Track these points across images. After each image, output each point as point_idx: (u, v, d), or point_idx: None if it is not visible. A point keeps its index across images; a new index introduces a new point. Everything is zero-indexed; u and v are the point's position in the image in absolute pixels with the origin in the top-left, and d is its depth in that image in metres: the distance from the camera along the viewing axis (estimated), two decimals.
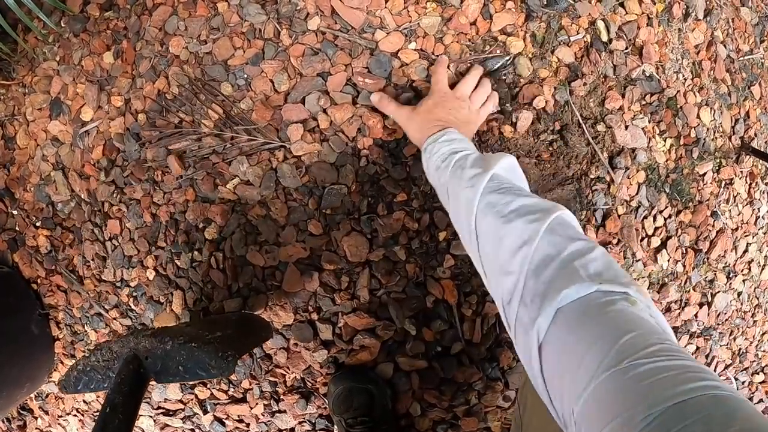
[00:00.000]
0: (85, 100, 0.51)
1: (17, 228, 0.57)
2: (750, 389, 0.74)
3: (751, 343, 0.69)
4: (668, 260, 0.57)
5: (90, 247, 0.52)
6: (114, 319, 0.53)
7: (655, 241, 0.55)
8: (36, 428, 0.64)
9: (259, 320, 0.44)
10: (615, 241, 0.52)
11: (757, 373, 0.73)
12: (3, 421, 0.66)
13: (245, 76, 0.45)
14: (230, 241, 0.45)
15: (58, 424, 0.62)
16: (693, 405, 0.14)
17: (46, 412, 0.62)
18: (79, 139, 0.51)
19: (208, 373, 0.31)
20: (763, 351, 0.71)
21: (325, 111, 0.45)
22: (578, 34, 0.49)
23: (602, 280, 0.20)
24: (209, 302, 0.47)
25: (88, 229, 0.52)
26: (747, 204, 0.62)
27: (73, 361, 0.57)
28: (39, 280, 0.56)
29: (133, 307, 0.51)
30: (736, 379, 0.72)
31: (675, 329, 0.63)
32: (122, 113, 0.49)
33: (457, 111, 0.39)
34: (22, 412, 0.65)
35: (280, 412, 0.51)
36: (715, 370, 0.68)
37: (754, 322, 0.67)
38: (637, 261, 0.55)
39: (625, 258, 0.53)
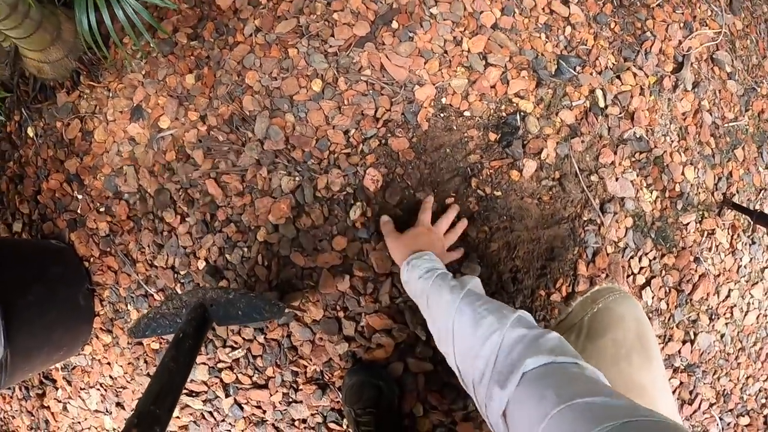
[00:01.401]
0: (164, 111, 0.63)
1: (79, 211, 0.67)
2: (735, 431, 0.80)
3: (736, 385, 0.75)
4: (652, 297, 0.67)
5: (148, 235, 0.62)
6: (157, 300, 0.63)
7: (640, 279, 0.66)
8: (54, 398, 0.72)
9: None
10: (603, 275, 0.63)
11: (743, 416, 0.78)
12: (20, 389, 0.73)
13: (306, 109, 0.58)
14: (278, 244, 0.56)
15: (79, 396, 0.70)
16: (639, 425, 0.18)
17: (69, 383, 0.70)
18: (154, 142, 0.63)
19: (261, 316, 0.41)
20: (748, 394, 0.78)
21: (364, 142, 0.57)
22: (579, 100, 0.63)
23: (557, 354, 0.26)
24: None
25: (149, 219, 0.62)
26: (729, 253, 0.72)
27: (109, 337, 0.66)
28: (92, 259, 0.66)
29: (178, 290, 0.61)
30: (722, 419, 0.77)
31: None
32: (196, 126, 0.61)
33: (433, 245, 0.49)
34: (44, 381, 0.72)
35: (296, 402, 0.59)
36: (699, 408, 0.73)
37: (738, 364, 0.75)
38: None
39: None
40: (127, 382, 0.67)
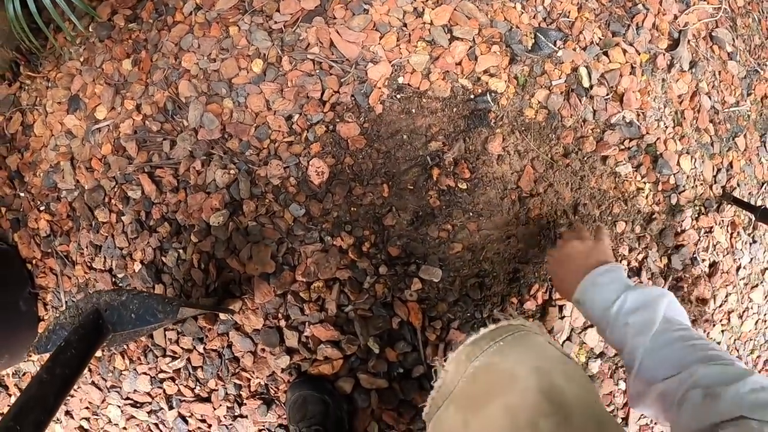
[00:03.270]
0: (101, 100, 0.60)
1: (22, 209, 0.66)
2: None
3: None
4: None
5: (86, 235, 0.60)
6: None
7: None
8: (8, 405, 0.71)
9: (221, 308, 0.51)
10: None
11: None
12: None
13: (246, 93, 0.54)
14: (212, 245, 0.53)
15: None
16: None
17: (20, 390, 0.69)
18: (90, 134, 0.60)
19: (155, 318, 0.38)
20: None
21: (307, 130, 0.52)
22: (560, 78, 0.56)
23: None
24: (187, 299, 0.54)
25: (87, 218, 0.60)
26: (728, 253, 0.65)
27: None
28: (34, 261, 0.64)
29: None
30: None
31: None
32: (131, 116, 0.58)
33: (578, 255, 0.41)
34: None
35: (241, 416, 0.56)
36: None
37: None
38: None
39: None
40: (74, 390, 0.65)
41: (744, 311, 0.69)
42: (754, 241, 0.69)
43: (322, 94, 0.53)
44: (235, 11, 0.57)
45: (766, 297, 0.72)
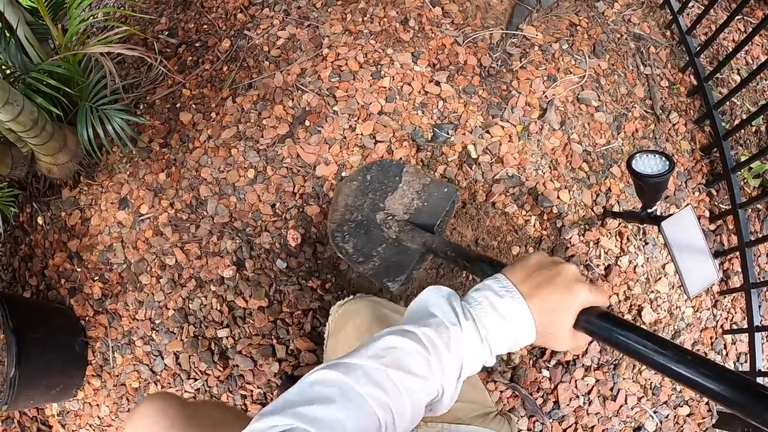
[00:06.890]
0: (144, 201, 0.98)
1: (78, 280, 0.99)
2: (677, 423, 0.83)
3: (663, 377, 0.81)
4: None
5: (132, 295, 0.93)
6: (138, 346, 0.92)
7: None
8: None
9: None
10: None
11: (681, 406, 0.83)
12: None
13: (244, 192, 0.93)
14: (225, 291, 0.87)
15: None
16: None
17: (63, 426, 0.96)
18: (136, 224, 0.97)
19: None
20: None
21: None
22: (454, 156, 0.95)
23: None
24: (206, 331, 0.86)
25: (133, 282, 0.94)
26: (622, 256, 0.86)
27: (99, 382, 0.94)
28: (87, 318, 0.96)
29: (154, 337, 0.91)
30: (656, 413, 0.82)
31: (567, 363, 0.84)
32: (167, 210, 0.96)
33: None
34: (41, 428, 0.98)
35: None
36: (625, 403, 0.82)
37: None
38: None
39: None
40: (112, 420, 0.93)
41: (654, 301, 0.85)
42: (646, 243, 0.86)
43: (294, 188, 0.92)
44: (235, 138, 0.98)
45: (672, 287, 0.85)
